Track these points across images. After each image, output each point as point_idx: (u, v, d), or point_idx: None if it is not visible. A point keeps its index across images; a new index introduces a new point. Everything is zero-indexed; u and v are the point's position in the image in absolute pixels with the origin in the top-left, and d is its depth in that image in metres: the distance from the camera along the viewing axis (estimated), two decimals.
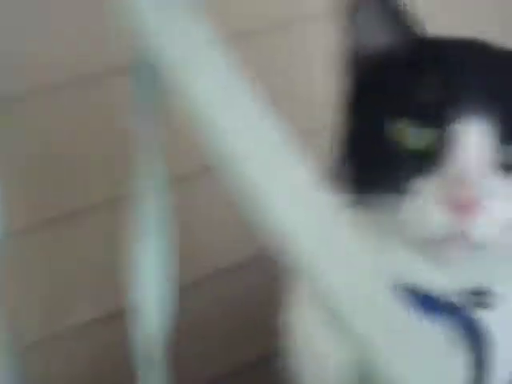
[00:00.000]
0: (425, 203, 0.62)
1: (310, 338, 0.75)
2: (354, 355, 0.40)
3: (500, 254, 0.66)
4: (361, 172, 0.68)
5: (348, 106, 0.70)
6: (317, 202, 0.44)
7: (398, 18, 0.68)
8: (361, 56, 0.69)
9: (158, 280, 0.68)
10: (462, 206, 0.60)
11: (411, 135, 0.64)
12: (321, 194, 0.44)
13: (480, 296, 0.69)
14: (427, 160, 0.63)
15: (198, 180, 1.09)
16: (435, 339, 0.53)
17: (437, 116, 0.63)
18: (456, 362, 0.66)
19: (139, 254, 0.66)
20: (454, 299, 0.68)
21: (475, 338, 0.68)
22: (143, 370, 0.76)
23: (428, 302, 0.67)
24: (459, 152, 0.62)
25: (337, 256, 0.42)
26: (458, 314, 0.68)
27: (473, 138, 0.62)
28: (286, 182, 0.45)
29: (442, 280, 0.67)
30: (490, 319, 0.69)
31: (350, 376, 0.42)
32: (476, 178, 0.61)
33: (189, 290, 1.03)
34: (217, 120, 0.49)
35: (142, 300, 0.70)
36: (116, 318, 1.03)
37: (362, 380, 0.41)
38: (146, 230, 0.65)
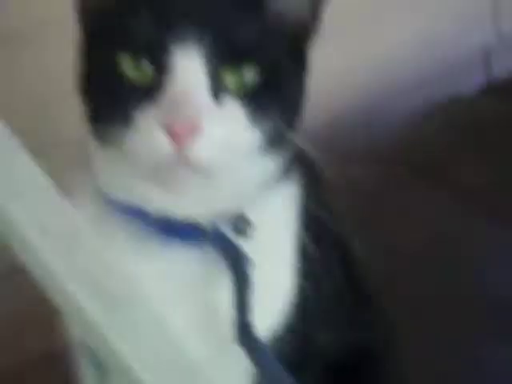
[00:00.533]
0: (146, 131, 0.69)
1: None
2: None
3: (233, 181, 0.74)
4: (95, 110, 0.75)
5: (82, 49, 0.77)
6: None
7: None
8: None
9: None
10: (179, 130, 0.67)
11: (131, 68, 0.70)
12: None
13: (237, 221, 0.76)
14: (148, 90, 0.69)
15: None
16: (188, 272, 0.75)
17: (151, 46, 0.70)
18: (219, 290, 0.75)
19: None
20: (205, 225, 0.74)
21: (236, 261, 0.76)
22: None
23: (174, 229, 0.75)
24: (175, 80, 0.68)
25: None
26: (215, 238, 0.75)
27: (187, 64, 0.69)
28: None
29: (181, 207, 0.74)
30: (247, 245, 0.75)
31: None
32: (192, 102, 0.67)
33: None
34: None
35: None
36: None
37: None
38: None
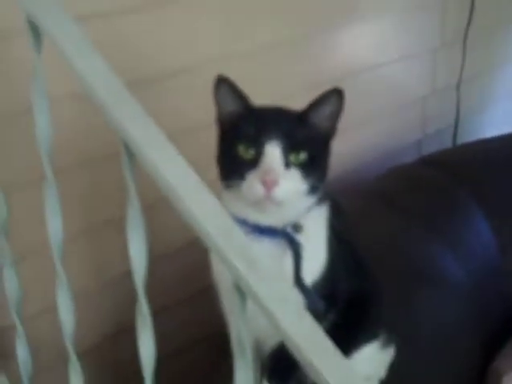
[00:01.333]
0: (251, 183, 1.06)
1: (216, 270, 1.20)
2: (233, 279, 0.80)
3: (293, 207, 1.11)
4: (225, 170, 1.13)
5: (218, 139, 1.16)
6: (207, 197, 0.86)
7: (238, 95, 1.13)
8: (221, 114, 1.16)
9: None
10: (269, 183, 1.04)
11: (244, 151, 1.08)
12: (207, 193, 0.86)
13: (295, 226, 1.13)
14: (254, 163, 1.06)
15: None
16: (270, 252, 1.11)
17: (255, 142, 1.07)
18: (286, 260, 1.12)
19: None
20: (279, 228, 1.12)
21: (293, 246, 1.11)
22: None
23: (263, 231, 1.12)
24: (266, 158, 1.06)
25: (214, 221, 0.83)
26: (283, 234, 1.12)
27: (272, 151, 1.06)
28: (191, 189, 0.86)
29: (267, 220, 1.12)
30: (300, 237, 1.13)
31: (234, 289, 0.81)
32: (274, 170, 1.05)
33: None
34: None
35: None
36: None
37: (237, 291, 0.80)
38: None
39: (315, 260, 1.16)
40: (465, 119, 2.57)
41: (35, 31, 1.04)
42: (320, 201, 1.16)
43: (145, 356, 1.02)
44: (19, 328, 1.37)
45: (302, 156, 1.08)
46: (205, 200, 0.87)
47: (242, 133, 1.09)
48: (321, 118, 1.12)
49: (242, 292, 0.81)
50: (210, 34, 1.75)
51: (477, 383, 1.70)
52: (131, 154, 0.93)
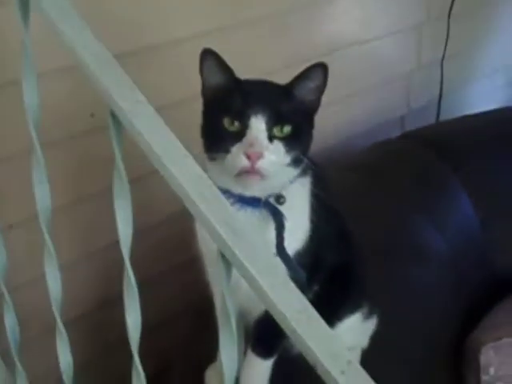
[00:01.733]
0: (236, 155, 1.06)
1: (202, 239, 1.18)
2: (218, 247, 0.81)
3: (276, 179, 1.10)
4: (209, 143, 1.12)
5: (204, 111, 1.15)
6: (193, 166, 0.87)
7: (223, 68, 1.12)
8: (207, 87, 1.15)
9: None
10: (253, 156, 1.04)
11: (229, 124, 1.08)
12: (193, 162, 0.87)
13: (278, 197, 1.13)
14: (237, 135, 1.07)
15: None
16: (254, 222, 1.11)
17: (240, 115, 1.07)
18: (269, 230, 1.11)
19: None
20: (262, 198, 1.12)
21: (276, 216, 1.11)
22: None
23: (247, 201, 1.12)
24: (251, 131, 1.06)
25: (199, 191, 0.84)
26: (266, 204, 1.12)
27: (257, 124, 1.06)
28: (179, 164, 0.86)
29: (251, 191, 1.11)
30: (282, 208, 1.12)
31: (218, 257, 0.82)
32: (259, 143, 1.05)
33: None
34: None
35: None
36: None
37: (222, 259, 0.82)
38: None
39: (297, 230, 1.16)
40: (448, 95, 2.57)
41: (23, 3, 1.04)
42: (303, 173, 1.16)
43: (131, 325, 1.02)
44: (6, 297, 1.36)
45: (286, 129, 1.09)
46: (190, 168, 0.88)
47: (228, 105, 1.08)
48: (305, 91, 1.12)
49: (226, 260, 0.82)
50: (194, 8, 1.75)
51: (456, 352, 1.71)
52: (118, 123, 0.93)
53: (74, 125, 1.57)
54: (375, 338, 1.42)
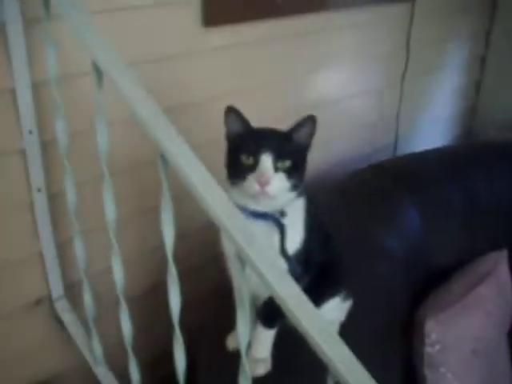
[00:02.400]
0: (251, 182, 1.06)
1: (224, 243, 1.18)
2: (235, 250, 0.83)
3: (280, 199, 1.10)
4: (231, 172, 1.11)
5: (227, 150, 1.15)
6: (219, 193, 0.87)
7: (241, 120, 1.12)
8: (229, 133, 1.14)
9: None
10: (263, 183, 1.05)
11: (246, 159, 1.08)
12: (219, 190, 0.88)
13: (281, 212, 1.12)
14: (252, 168, 1.07)
15: None
16: (263, 230, 1.10)
17: (254, 153, 1.07)
18: (274, 236, 1.11)
19: None
20: (269, 213, 1.11)
21: (279, 226, 1.11)
22: None
23: (258, 215, 1.11)
24: (261, 165, 1.06)
25: (225, 211, 0.85)
26: (272, 218, 1.11)
27: (265, 159, 1.07)
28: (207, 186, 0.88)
29: (261, 207, 1.11)
30: (284, 221, 1.12)
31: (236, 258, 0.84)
32: (267, 173, 1.05)
33: None
34: None
35: None
36: None
37: (238, 259, 0.83)
38: None
39: (295, 237, 1.15)
40: (402, 138, 2.60)
41: (98, 72, 1.05)
42: (299, 195, 1.15)
43: (173, 304, 1.04)
44: (85, 282, 1.38)
45: (287, 163, 1.08)
46: (217, 194, 0.88)
47: (244, 146, 1.08)
48: (300, 135, 1.12)
49: (242, 260, 0.83)
50: (224, 76, 1.76)
51: (407, 324, 1.70)
52: (166, 162, 0.94)
53: (135, 158, 1.59)
54: (348, 315, 1.43)
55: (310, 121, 1.11)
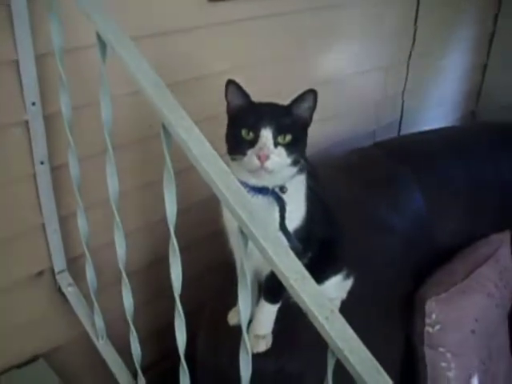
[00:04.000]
0: (251, 157, 1.04)
1: (226, 218, 1.15)
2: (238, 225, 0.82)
3: (280, 174, 1.08)
4: (231, 147, 1.09)
5: (228, 125, 1.12)
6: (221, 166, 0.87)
7: (242, 94, 1.10)
8: (230, 107, 1.12)
9: None
10: (262, 157, 1.03)
11: (245, 134, 1.06)
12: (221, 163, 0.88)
13: (281, 188, 1.10)
14: (252, 142, 1.05)
15: None
16: (263, 206, 1.08)
17: (254, 127, 1.05)
18: (274, 212, 1.09)
19: None
20: (270, 188, 1.09)
21: (279, 202, 1.09)
22: None
23: (259, 190, 1.09)
24: (261, 139, 1.04)
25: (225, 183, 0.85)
26: (272, 193, 1.09)
27: (265, 134, 1.05)
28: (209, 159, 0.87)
29: (261, 182, 1.08)
30: (284, 196, 1.09)
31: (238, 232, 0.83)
32: (266, 147, 1.03)
33: None
34: None
35: None
36: None
37: (241, 234, 0.83)
38: None
39: (296, 213, 1.14)
40: (407, 116, 2.57)
41: (101, 43, 1.04)
42: (300, 170, 1.13)
43: (175, 278, 1.03)
44: (87, 255, 1.37)
45: (287, 138, 1.07)
46: (219, 166, 0.88)
47: (245, 121, 1.06)
48: (301, 110, 1.10)
49: (244, 235, 0.82)
50: (228, 51, 1.74)
51: (408, 303, 1.71)
52: (168, 134, 0.93)
53: (137, 133, 1.56)
54: (350, 292, 1.42)
55: (311, 95, 1.09)
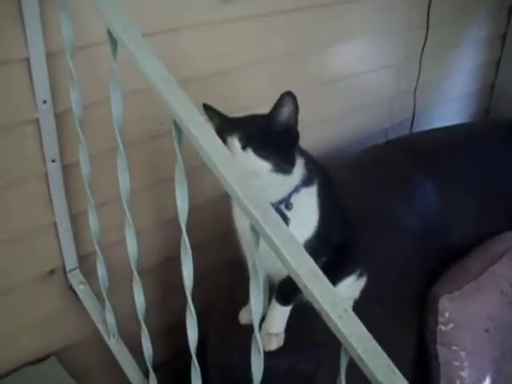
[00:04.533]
0: None
1: (237, 217, 1.14)
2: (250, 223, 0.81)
3: (275, 186, 1.06)
4: None
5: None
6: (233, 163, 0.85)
7: (217, 113, 1.10)
8: (213, 125, 1.11)
9: None
10: None
11: (225, 143, 0.98)
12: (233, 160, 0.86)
13: (287, 205, 1.07)
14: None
15: None
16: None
17: (225, 139, 1.01)
18: None
19: None
20: (275, 205, 1.06)
21: (283, 217, 1.05)
22: None
23: None
24: (229, 146, 1.01)
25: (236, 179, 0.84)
26: (277, 209, 1.00)
27: (232, 140, 1.02)
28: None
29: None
30: (292, 210, 1.08)
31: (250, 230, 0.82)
32: (233, 152, 1.00)
33: None
34: None
35: None
36: None
37: (253, 232, 0.82)
38: None
39: (305, 226, 1.12)
40: (419, 114, 2.54)
41: (112, 40, 1.03)
42: (306, 183, 1.10)
43: (186, 276, 1.02)
44: (99, 253, 1.37)
45: (258, 142, 1.03)
46: (231, 163, 0.87)
47: (221, 136, 0.99)
48: (282, 116, 1.05)
49: (256, 233, 0.81)
50: (239, 48, 1.73)
51: (421, 301, 1.70)
52: (179, 130, 0.92)
53: (148, 130, 1.56)
54: (363, 290, 1.41)
55: (288, 98, 1.04)
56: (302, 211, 1.10)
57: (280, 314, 1.24)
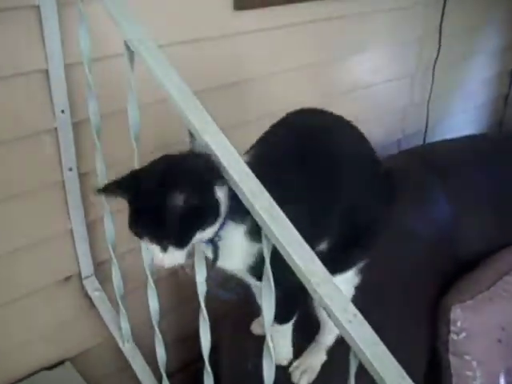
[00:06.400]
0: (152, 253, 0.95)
1: None
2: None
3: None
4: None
5: None
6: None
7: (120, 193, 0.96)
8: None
9: None
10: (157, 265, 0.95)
11: None
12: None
13: (217, 236, 0.96)
14: None
15: None
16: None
17: (137, 234, 0.95)
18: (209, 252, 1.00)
19: None
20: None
21: (215, 249, 0.99)
22: None
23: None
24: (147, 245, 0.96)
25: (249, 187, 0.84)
26: (210, 241, 0.97)
27: (151, 247, 0.94)
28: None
29: None
30: (219, 243, 0.98)
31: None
32: (156, 257, 0.93)
33: None
34: None
35: None
36: None
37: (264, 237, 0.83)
38: None
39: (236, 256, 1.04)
40: (432, 125, 2.55)
41: (129, 51, 1.05)
42: (238, 219, 0.98)
43: (200, 282, 1.04)
44: (114, 260, 1.39)
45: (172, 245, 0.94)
46: (244, 172, 0.87)
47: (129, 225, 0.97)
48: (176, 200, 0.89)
49: (268, 239, 0.82)
50: (254, 60, 1.74)
51: (433, 310, 1.70)
52: (194, 140, 0.93)
53: (164, 139, 1.55)
54: (375, 298, 1.39)
55: (201, 161, 0.90)
56: (229, 245, 1.00)
57: (281, 333, 1.22)
